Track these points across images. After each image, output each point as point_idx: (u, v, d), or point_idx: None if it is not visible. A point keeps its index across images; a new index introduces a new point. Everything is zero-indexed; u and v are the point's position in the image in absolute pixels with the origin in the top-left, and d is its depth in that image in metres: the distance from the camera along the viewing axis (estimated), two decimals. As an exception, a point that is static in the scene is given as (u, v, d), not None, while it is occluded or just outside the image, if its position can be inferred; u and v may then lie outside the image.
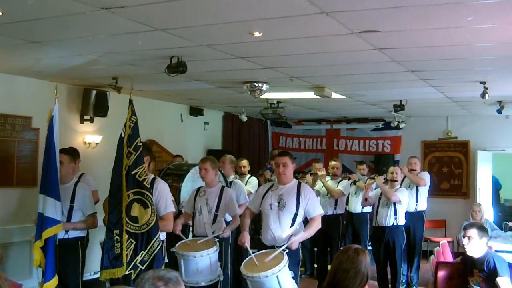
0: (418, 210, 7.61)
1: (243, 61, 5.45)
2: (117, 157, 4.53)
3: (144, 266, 4.36)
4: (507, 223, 8.37)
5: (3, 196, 6.50)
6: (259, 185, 7.14)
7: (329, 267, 4.68)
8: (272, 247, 4.61)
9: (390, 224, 6.64)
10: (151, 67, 5.84)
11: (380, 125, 11.32)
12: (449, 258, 6.34)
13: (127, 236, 4.36)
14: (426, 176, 7.74)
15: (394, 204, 6.62)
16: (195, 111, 10.02)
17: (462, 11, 3.62)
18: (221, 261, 5.09)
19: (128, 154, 4.44)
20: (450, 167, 10.74)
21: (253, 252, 4.55)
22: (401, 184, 7.29)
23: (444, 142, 10.83)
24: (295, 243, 4.57)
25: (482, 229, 4.73)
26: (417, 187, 7.59)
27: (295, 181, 4.89)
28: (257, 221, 6.15)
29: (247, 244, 4.70)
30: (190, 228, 5.78)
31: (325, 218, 5.05)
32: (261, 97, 7.22)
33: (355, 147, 11.66)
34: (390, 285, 6.89)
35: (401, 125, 9.91)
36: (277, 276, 4.19)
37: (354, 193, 7.93)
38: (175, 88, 7.48)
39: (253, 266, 4.35)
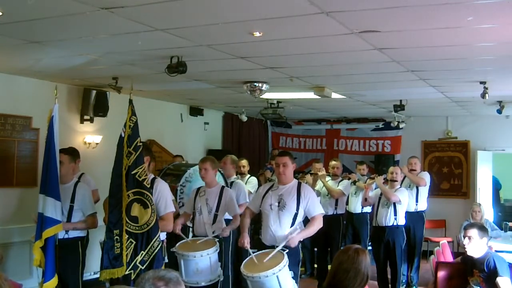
0: (418, 210, 7.60)
1: (243, 61, 5.45)
2: (117, 157, 4.53)
3: (144, 266, 4.35)
4: (507, 223, 8.37)
5: (3, 196, 6.50)
6: (259, 185, 7.15)
7: (329, 267, 4.68)
8: (272, 247, 4.59)
9: (390, 224, 6.63)
10: (151, 67, 5.84)
11: (380, 125, 11.32)
12: (449, 258, 6.34)
13: (127, 236, 4.36)
14: (426, 176, 7.73)
15: (394, 204, 6.61)
16: (195, 111, 10.02)
17: (462, 11, 3.62)
18: (221, 261, 5.09)
19: (128, 154, 4.44)
20: (450, 167, 10.73)
21: (253, 252, 4.55)
22: (401, 184, 7.29)
23: (444, 142, 10.82)
24: (293, 240, 4.54)
25: (482, 229, 4.73)
26: (417, 187, 7.59)
27: (295, 181, 4.88)
28: (257, 221, 6.16)
29: (247, 245, 4.71)
30: (190, 228, 5.78)
31: (325, 218, 5.04)
32: (261, 97, 7.21)
33: (355, 147, 11.65)
34: (390, 285, 6.89)
35: (401, 125, 9.90)
36: (277, 276, 4.19)
37: (354, 193, 7.93)
38: (175, 88, 7.48)
39: (253, 266, 4.35)
